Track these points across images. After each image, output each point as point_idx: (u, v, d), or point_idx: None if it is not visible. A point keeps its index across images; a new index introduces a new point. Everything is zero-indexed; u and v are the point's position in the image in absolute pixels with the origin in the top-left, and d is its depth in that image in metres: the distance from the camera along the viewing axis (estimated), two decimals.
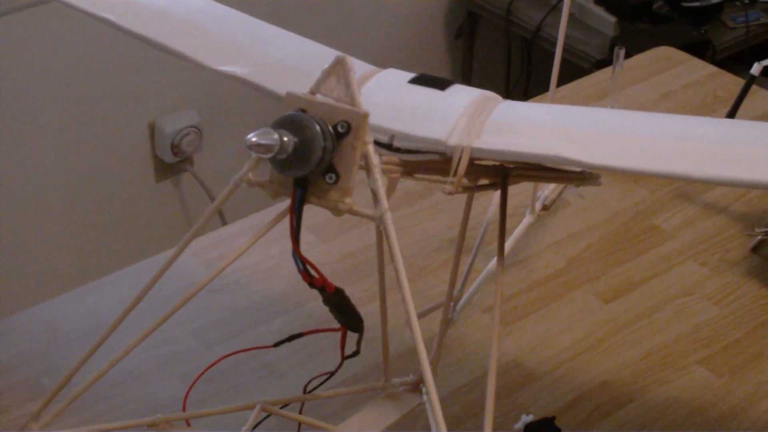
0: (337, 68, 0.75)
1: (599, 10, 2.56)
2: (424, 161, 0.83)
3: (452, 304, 1.01)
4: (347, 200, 0.75)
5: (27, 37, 2.08)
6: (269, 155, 0.71)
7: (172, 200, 2.51)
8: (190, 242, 0.81)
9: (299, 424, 0.97)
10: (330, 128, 0.73)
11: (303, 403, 0.99)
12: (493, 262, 1.13)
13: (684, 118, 0.92)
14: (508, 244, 1.15)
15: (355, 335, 0.87)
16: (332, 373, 0.93)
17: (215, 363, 0.97)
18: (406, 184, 1.22)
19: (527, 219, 1.23)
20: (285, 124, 0.73)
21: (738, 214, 1.38)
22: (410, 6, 2.75)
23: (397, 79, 0.88)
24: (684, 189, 1.43)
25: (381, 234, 0.88)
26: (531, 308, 1.23)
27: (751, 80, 1.42)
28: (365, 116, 0.73)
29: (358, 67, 0.79)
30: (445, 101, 0.85)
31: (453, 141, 0.81)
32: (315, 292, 1.20)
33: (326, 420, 0.96)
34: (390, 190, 0.86)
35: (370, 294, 1.14)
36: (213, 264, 1.25)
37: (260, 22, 0.98)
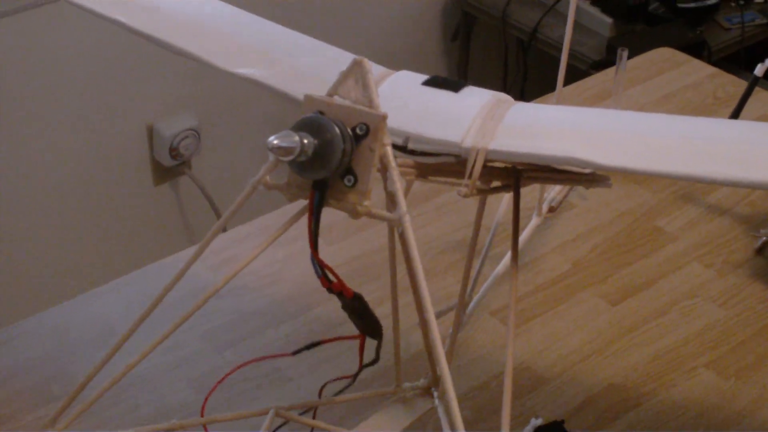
0: (355, 70, 0.75)
1: (595, 11, 2.57)
2: (438, 163, 0.83)
3: (463, 307, 1.00)
4: (366, 203, 0.75)
5: (25, 39, 2.08)
6: (290, 158, 0.71)
7: (170, 203, 2.51)
8: (206, 247, 0.81)
9: (311, 430, 0.97)
10: (349, 130, 0.73)
11: (316, 408, 0.99)
12: (502, 264, 1.13)
13: (691, 119, 0.92)
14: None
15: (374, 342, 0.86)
16: (351, 381, 0.93)
17: (233, 371, 0.97)
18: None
19: (534, 221, 1.24)
20: (305, 126, 0.72)
21: (742, 216, 1.39)
22: (406, 8, 2.75)
23: (410, 80, 0.88)
24: (687, 190, 1.43)
25: (393, 236, 0.88)
26: (538, 311, 1.23)
27: (755, 81, 1.42)
28: (384, 118, 0.73)
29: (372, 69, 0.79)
30: (459, 103, 0.85)
31: (468, 143, 0.81)
32: (322, 297, 1.20)
33: (337, 424, 0.96)
34: (405, 192, 0.86)
35: (376, 297, 1.14)
36: (218, 268, 1.25)
37: (272, 24, 0.98)
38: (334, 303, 1.19)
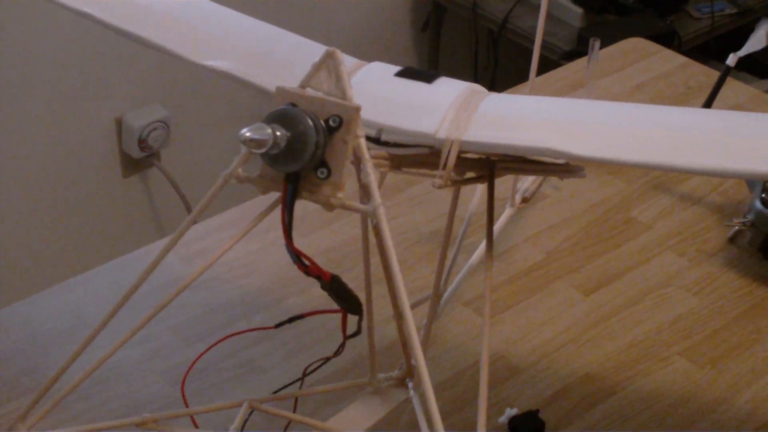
0: (328, 62, 0.75)
1: (566, 2, 2.57)
2: (412, 155, 0.83)
3: (438, 298, 1.00)
4: (339, 195, 0.74)
5: None
6: (262, 150, 0.71)
7: (139, 195, 2.49)
8: (179, 239, 0.80)
9: (288, 422, 0.97)
10: (322, 122, 0.73)
11: (297, 400, 0.98)
12: (476, 254, 1.12)
13: (665, 108, 0.92)
14: None
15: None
16: (335, 354, 0.92)
17: (213, 346, 0.97)
18: None
19: (507, 211, 1.23)
20: (277, 118, 0.72)
21: (714, 205, 1.39)
22: None
23: (383, 72, 0.87)
24: (660, 180, 1.43)
25: (366, 228, 0.88)
26: (511, 301, 1.23)
27: (727, 71, 1.42)
28: (357, 110, 0.73)
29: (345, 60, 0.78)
30: (432, 94, 0.84)
31: (442, 134, 0.81)
32: (296, 287, 1.21)
33: (311, 415, 0.96)
34: (379, 184, 0.85)
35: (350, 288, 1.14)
36: (190, 260, 1.24)
37: (242, 15, 0.97)
38: (308, 294, 1.20)
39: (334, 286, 0.82)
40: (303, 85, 0.76)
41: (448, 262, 1.01)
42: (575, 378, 1.13)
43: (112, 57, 2.24)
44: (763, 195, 1.26)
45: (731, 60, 1.41)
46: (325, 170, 0.74)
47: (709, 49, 2.64)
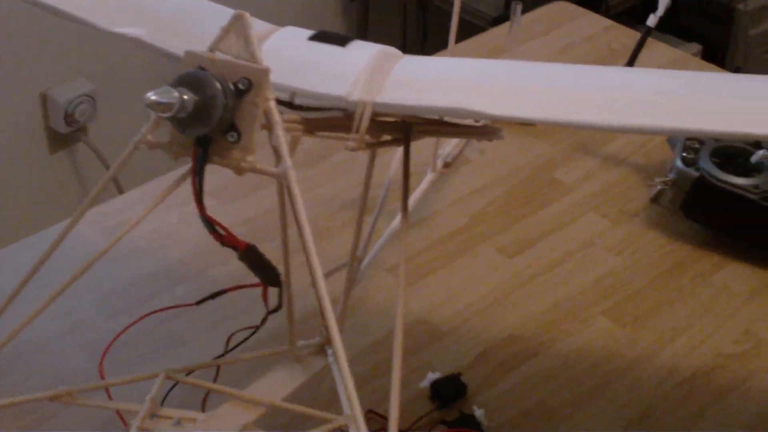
0: (236, 25, 0.74)
1: None
2: (325, 118, 0.82)
3: (357, 263, 1.00)
4: (249, 158, 0.74)
5: None
6: (169, 114, 0.70)
7: (67, 171, 2.46)
8: (86, 210, 0.79)
9: (207, 392, 0.96)
10: (231, 85, 0.72)
11: (218, 369, 0.98)
12: (397, 220, 1.12)
13: (585, 67, 0.92)
14: (411, 203, 1.15)
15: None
16: (257, 328, 0.93)
17: (135, 323, 0.96)
18: (305, 146, 1.20)
19: (429, 177, 1.23)
20: (184, 82, 0.71)
21: (637, 166, 1.40)
22: None
23: (296, 36, 0.86)
24: (584, 142, 1.43)
25: (283, 194, 0.87)
26: (434, 266, 1.23)
27: (648, 32, 1.43)
28: (266, 72, 0.72)
29: (256, 25, 0.77)
30: (345, 57, 0.83)
31: (355, 97, 0.80)
32: (218, 258, 1.20)
33: (230, 385, 0.95)
34: (291, 148, 0.84)
35: (271, 258, 1.13)
36: (111, 232, 1.23)
37: None
38: (230, 265, 1.18)
39: (250, 256, 0.81)
40: (212, 49, 0.75)
41: (367, 228, 1.01)
42: (498, 340, 1.13)
43: (34, 30, 2.21)
44: (684, 154, 1.27)
45: (651, 20, 1.42)
46: (235, 134, 0.73)
47: (636, 13, 2.65)
